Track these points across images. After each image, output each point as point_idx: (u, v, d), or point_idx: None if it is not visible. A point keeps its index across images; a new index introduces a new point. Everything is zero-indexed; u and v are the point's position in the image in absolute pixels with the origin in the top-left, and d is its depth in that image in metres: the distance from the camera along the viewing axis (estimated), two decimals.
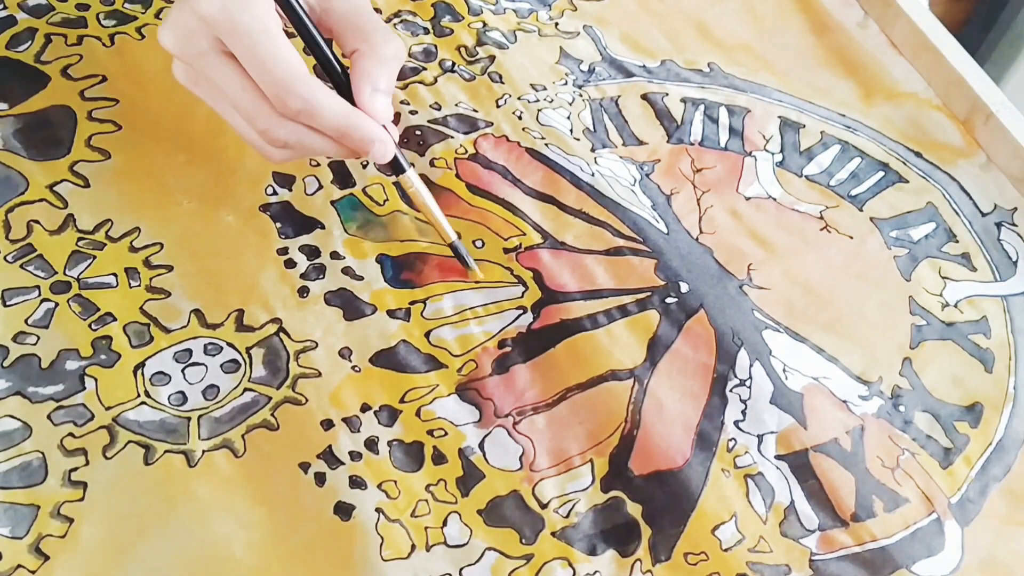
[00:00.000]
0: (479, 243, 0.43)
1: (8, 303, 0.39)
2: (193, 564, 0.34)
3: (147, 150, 0.44)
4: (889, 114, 0.52)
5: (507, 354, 0.40)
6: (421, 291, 0.42)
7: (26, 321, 0.39)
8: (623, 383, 0.40)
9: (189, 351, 0.39)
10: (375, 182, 0.45)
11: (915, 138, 0.51)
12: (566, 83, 0.50)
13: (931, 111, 0.53)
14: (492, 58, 0.50)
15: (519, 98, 0.49)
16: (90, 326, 0.39)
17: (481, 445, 0.38)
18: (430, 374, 0.40)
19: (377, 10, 0.51)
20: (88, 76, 0.46)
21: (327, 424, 0.38)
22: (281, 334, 0.40)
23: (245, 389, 0.38)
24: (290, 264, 0.42)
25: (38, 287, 0.39)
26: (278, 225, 0.43)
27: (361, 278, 0.42)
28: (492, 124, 0.47)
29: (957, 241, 0.48)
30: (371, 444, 0.38)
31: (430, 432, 0.38)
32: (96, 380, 0.38)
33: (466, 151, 0.46)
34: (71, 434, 0.36)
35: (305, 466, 0.37)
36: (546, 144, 0.47)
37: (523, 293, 0.42)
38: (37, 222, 0.41)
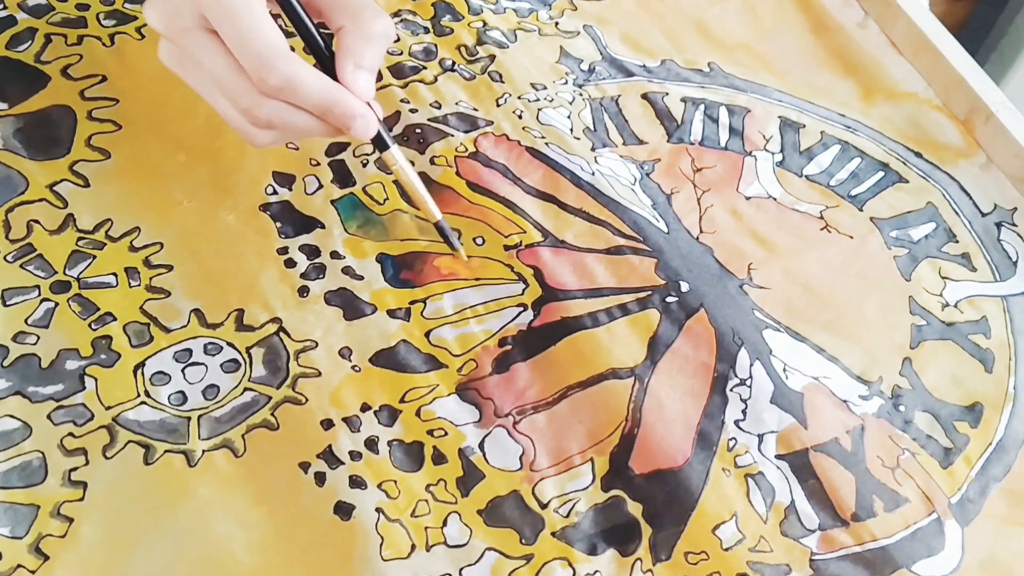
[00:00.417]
0: (479, 240, 0.43)
1: (8, 303, 0.39)
2: (193, 564, 0.34)
3: (147, 150, 0.44)
4: (889, 114, 0.52)
5: (507, 352, 0.40)
6: (421, 291, 0.42)
7: (26, 321, 0.39)
8: (624, 382, 0.40)
9: (189, 351, 0.39)
10: (375, 181, 0.45)
11: (915, 138, 0.51)
12: (566, 82, 0.50)
13: (931, 111, 0.53)
14: (492, 57, 0.50)
15: (519, 97, 0.49)
16: (90, 326, 0.39)
17: (481, 445, 0.38)
18: (430, 374, 0.40)
19: None
20: (88, 76, 0.46)
21: (327, 424, 0.38)
22: (281, 334, 0.40)
23: (245, 389, 0.38)
24: (290, 264, 0.42)
25: (38, 287, 0.39)
26: (278, 225, 0.43)
27: (361, 278, 0.42)
28: (492, 123, 0.47)
29: (957, 241, 0.47)
30: (371, 444, 0.38)
31: (430, 432, 0.38)
32: (96, 380, 0.38)
33: (466, 149, 0.46)
34: (71, 434, 0.36)
35: (305, 466, 0.37)
36: (546, 143, 0.47)
37: (524, 290, 0.42)
38: (37, 222, 0.41)
